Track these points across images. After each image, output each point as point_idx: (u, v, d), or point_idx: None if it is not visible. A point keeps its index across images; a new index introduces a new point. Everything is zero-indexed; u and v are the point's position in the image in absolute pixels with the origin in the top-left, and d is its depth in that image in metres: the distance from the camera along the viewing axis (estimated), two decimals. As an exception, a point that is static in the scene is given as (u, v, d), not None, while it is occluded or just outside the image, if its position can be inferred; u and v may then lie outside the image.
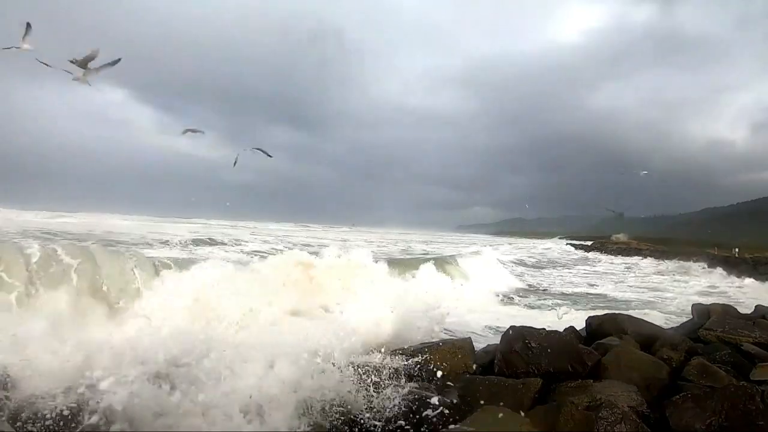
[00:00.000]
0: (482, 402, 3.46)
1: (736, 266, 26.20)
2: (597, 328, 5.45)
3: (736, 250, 33.71)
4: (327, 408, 3.47)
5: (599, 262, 35.38)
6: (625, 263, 33.23)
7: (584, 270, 26.98)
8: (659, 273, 25.79)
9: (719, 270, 24.92)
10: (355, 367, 3.84)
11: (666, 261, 31.59)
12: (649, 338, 5.07)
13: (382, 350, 4.39)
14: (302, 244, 19.57)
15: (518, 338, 4.18)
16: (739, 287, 18.38)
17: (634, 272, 26.33)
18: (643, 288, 17.49)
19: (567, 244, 59.86)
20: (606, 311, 6.92)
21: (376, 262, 9.10)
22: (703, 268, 26.99)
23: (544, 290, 15.94)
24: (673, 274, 24.81)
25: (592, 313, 6.86)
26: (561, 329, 4.96)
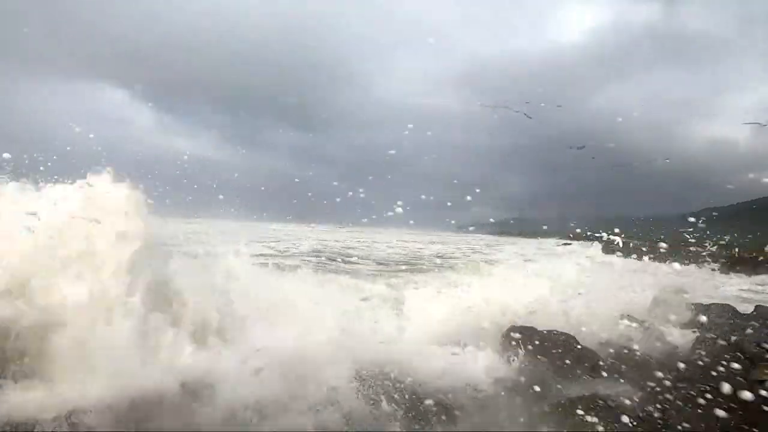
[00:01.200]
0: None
1: (744, 265, 26.09)
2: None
3: (737, 249, 33.58)
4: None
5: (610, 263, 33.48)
6: (634, 263, 32.03)
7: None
8: (680, 274, 24.89)
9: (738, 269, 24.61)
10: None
11: (680, 263, 30.72)
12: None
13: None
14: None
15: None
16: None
17: (650, 272, 25.22)
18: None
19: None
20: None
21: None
22: (718, 268, 26.56)
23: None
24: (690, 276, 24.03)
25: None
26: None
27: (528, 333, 4.28)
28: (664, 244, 4.73)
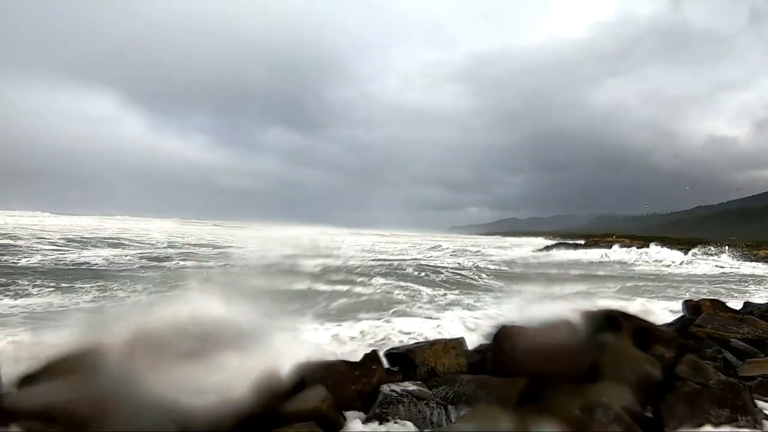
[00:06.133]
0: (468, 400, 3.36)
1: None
2: (592, 324, 5.30)
3: (726, 247, 33.53)
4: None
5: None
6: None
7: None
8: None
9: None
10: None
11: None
12: (643, 335, 4.94)
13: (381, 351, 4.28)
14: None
15: (507, 338, 4.06)
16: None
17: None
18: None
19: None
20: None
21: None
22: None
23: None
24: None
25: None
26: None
27: (515, 332, 4.16)
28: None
